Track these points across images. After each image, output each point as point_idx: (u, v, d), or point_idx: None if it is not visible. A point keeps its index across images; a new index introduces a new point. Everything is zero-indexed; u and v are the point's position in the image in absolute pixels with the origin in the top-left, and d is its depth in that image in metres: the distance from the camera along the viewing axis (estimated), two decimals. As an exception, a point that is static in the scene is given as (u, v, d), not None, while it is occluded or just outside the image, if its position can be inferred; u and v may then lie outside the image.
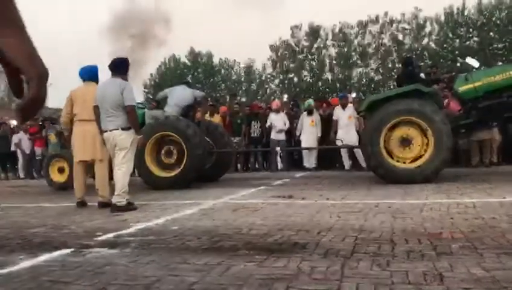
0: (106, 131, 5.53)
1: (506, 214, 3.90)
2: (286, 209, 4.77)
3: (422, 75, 11.41)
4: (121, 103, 5.44)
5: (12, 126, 15.70)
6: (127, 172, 5.49)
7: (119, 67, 5.67)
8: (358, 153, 10.61)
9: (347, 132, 10.62)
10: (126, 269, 2.67)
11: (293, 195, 5.96)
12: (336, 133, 10.81)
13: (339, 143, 10.31)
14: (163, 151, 8.25)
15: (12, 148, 14.81)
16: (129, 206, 5.37)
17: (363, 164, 10.61)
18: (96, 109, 5.66)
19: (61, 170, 9.36)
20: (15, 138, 14.60)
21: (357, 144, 10.10)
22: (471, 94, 7.32)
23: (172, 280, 2.41)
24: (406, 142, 7.14)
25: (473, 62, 7.54)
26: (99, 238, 3.69)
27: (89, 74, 6.34)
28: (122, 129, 5.46)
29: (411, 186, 6.44)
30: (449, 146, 6.92)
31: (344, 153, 11.01)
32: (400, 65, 9.85)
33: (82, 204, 6.04)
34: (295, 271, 2.45)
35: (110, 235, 3.80)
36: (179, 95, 8.57)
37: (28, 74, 0.90)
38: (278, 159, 12.19)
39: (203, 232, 3.71)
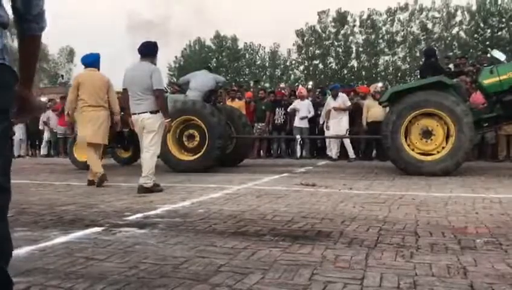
0: (135, 114, 5.63)
1: (533, 211, 3.87)
2: (309, 197, 4.82)
3: (451, 66, 11.22)
4: (150, 87, 5.51)
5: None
6: (155, 155, 5.61)
7: (148, 51, 5.74)
8: (347, 142, 10.94)
9: (338, 122, 10.83)
10: (155, 249, 2.77)
11: (316, 183, 5.99)
12: (327, 121, 11.09)
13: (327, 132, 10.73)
14: (185, 135, 8.40)
15: (40, 126, 15.12)
16: (155, 188, 5.50)
17: (351, 154, 10.82)
18: (125, 92, 5.77)
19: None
20: (43, 116, 14.89)
21: (345, 133, 10.56)
22: (496, 88, 7.19)
23: (200, 261, 2.49)
24: (427, 134, 7.10)
25: (499, 55, 7.38)
26: (128, 218, 3.81)
27: (92, 61, 6.53)
28: (151, 112, 5.55)
29: (435, 179, 6.41)
30: (471, 139, 6.86)
31: (333, 142, 11.12)
32: (423, 56, 9.65)
33: (103, 179, 6.15)
34: (320, 259, 2.51)
35: (138, 215, 3.92)
36: (201, 80, 8.71)
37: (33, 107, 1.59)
38: (298, 147, 12.23)
39: (228, 216, 3.79)
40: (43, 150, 15.55)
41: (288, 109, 12.06)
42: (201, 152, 8.11)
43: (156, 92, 5.53)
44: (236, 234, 3.15)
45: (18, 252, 2.72)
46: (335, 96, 11.09)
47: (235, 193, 5.32)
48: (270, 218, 3.70)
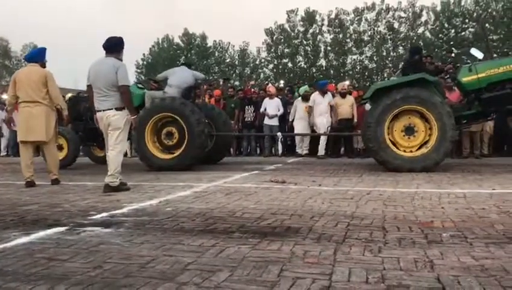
0: (99, 111, 5.50)
1: (496, 205, 3.97)
2: (279, 194, 4.81)
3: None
4: (115, 83, 5.38)
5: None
6: (120, 153, 5.49)
7: (114, 46, 5.59)
8: (323, 139, 11.09)
9: (326, 119, 10.96)
10: (121, 248, 2.69)
11: (286, 180, 5.99)
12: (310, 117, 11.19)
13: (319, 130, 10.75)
14: (163, 133, 8.17)
15: None
16: (122, 187, 5.38)
17: (322, 151, 10.99)
18: (89, 88, 5.62)
19: (59, 148, 9.29)
20: (2, 114, 14.33)
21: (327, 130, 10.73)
22: (474, 85, 7.34)
23: (167, 259, 2.43)
24: (409, 131, 7.19)
25: (477, 53, 7.51)
26: (93, 217, 3.71)
27: (33, 56, 6.35)
28: (116, 109, 5.43)
29: (402, 175, 6.52)
30: (452, 136, 7.01)
31: (323, 140, 11.11)
32: (408, 53, 9.77)
33: (30, 184, 5.96)
34: (289, 255, 2.49)
35: (104, 214, 3.81)
36: (180, 76, 8.48)
37: None
38: (279, 144, 12.30)
39: (197, 214, 3.74)
40: (4, 150, 14.95)
41: (261, 110, 12.07)
42: (181, 150, 7.92)
43: (122, 88, 5.40)
44: (205, 231, 3.11)
45: (-25, 254, 2.61)
46: (324, 93, 11.14)
47: (204, 191, 5.26)
48: (240, 215, 3.66)
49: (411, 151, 7.18)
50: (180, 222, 3.46)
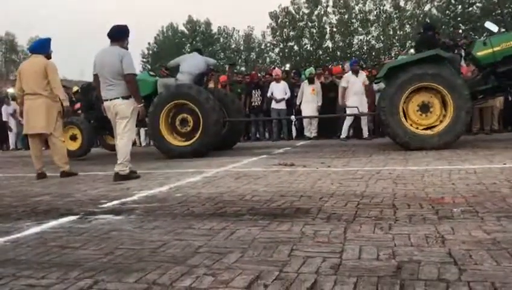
0: (106, 100, 5.50)
1: (507, 179, 3.93)
2: (288, 177, 4.81)
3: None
4: (121, 72, 5.37)
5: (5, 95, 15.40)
6: (129, 141, 5.50)
7: (118, 35, 5.57)
8: (364, 122, 10.66)
9: (361, 100, 10.29)
10: (132, 234, 2.71)
11: (295, 163, 5.98)
12: (343, 98, 10.57)
13: (353, 111, 9.96)
14: (178, 120, 8.09)
15: (5, 118, 14.54)
16: (132, 175, 5.40)
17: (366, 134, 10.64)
18: (95, 78, 5.63)
19: (73, 138, 9.35)
20: (9, 109, 14.41)
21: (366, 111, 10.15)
22: (489, 59, 7.18)
23: (178, 244, 2.45)
24: (424, 108, 7.11)
25: (492, 27, 7.36)
26: (104, 205, 3.74)
27: (36, 47, 6.29)
28: (123, 98, 5.42)
29: (412, 154, 6.47)
30: (468, 111, 6.92)
31: (348, 121, 10.70)
32: (421, 30, 9.54)
33: (41, 176, 5.99)
34: (299, 235, 2.49)
35: (115, 202, 3.84)
36: (191, 63, 8.42)
37: None
38: (293, 128, 12.21)
39: (206, 199, 3.75)
40: (13, 144, 15.04)
41: (268, 95, 11.99)
42: (196, 137, 7.86)
43: (127, 76, 5.39)
44: (215, 215, 3.12)
45: (-11, 244, 2.65)
46: (356, 73, 10.53)
47: (214, 176, 5.27)
48: (249, 198, 3.67)
49: (428, 129, 7.11)
50: (191, 206, 3.47)
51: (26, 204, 4.03)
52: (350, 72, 10.73)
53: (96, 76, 5.60)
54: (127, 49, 5.64)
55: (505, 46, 7.07)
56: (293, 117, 10.87)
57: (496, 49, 7.11)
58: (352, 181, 4.27)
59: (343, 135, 10.65)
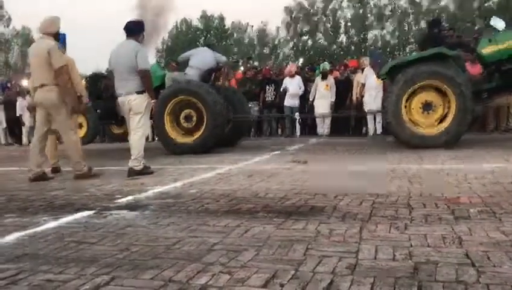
0: (121, 95, 5.53)
1: (525, 179, 3.88)
2: (301, 175, 4.79)
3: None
4: (135, 66, 5.37)
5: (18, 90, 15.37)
6: (143, 136, 5.52)
7: (134, 29, 5.59)
8: (378, 119, 10.44)
9: (376, 96, 10.11)
10: (147, 231, 2.72)
11: (308, 161, 5.96)
12: (362, 96, 10.50)
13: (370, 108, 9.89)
14: (182, 116, 8.09)
15: (20, 112, 14.50)
16: (145, 170, 5.43)
17: (379, 130, 10.51)
18: (111, 73, 5.65)
19: (79, 126, 9.38)
20: (24, 102, 14.42)
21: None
22: (495, 57, 7.10)
23: (193, 241, 2.46)
24: (427, 107, 7.05)
25: (498, 23, 7.24)
26: (119, 201, 3.76)
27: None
28: (137, 93, 5.43)
29: (427, 152, 6.41)
30: (471, 110, 6.84)
31: (370, 118, 10.57)
32: (426, 27, 9.44)
33: (55, 170, 5.94)
34: (314, 233, 2.48)
35: (129, 198, 3.87)
36: (202, 58, 8.39)
37: None
38: (297, 126, 12.13)
39: (220, 195, 3.76)
40: (26, 138, 15.03)
41: (281, 89, 11.96)
42: (200, 133, 7.87)
43: (141, 72, 5.39)
44: (229, 212, 3.12)
45: (7, 238, 2.68)
46: (373, 68, 9.94)
47: (227, 172, 5.28)
48: (263, 196, 3.66)
49: (431, 127, 7.05)
50: (205, 203, 3.48)
51: (43, 198, 4.07)
52: (368, 67, 10.34)
53: (111, 72, 5.63)
54: (142, 43, 5.67)
55: (511, 43, 6.96)
56: (297, 115, 10.82)
57: (501, 46, 7.01)
58: (367, 179, 4.25)
59: (371, 132, 10.57)
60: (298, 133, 12.11)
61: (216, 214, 3.07)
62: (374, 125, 10.61)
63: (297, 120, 11.75)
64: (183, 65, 8.97)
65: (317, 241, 2.34)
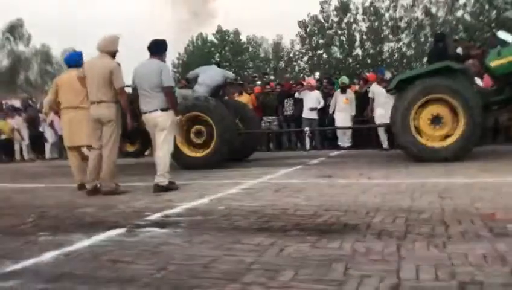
0: (145, 113, 5.59)
1: (559, 193, 3.80)
2: (328, 190, 4.77)
3: (459, 50, 11.04)
4: (159, 84, 5.45)
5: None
6: (168, 152, 5.56)
7: (158, 48, 5.68)
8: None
9: (386, 110, 9.90)
10: (182, 249, 2.73)
11: (333, 175, 5.93)
12: (372, 110, 10.55)
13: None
14: (192, 132, 8.25)
15: (41, 129, 14.75)
16: (171, 186, 5.46)
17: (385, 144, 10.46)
18: (134, 90, 5.73)
19: None
20: (47, 119, 14.67)
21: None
22: (504, 69, 7.07)
23: (229, 259, 2.45)
24: (436, 120, 7.03)
25: (506, 36, 7.23)
26: (149, 217, 3.77)
27: (73, 61, 6.34)
28: (162, 110, 5.49)
29: (453, 165, 6.33)
30: (480, 123, 6.81)
31: (381, 131, 10.55)
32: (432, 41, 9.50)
33: (82, 187, 5.95)
34: (351, 252, 2.46)
35: (159, 214, 3.88)
36: (210, 75, 8.61)
37: None
38: (307, 139, 12.09)
39: (250, 212, 3.75)
40: (49, 153, 15.28)
41: (295, 95, 11.98)
42: (210, 148, 8.03)
43: (165, 89, 5.46)
44: (261, 230, 3.11)
45: (44, 257, 2.70)
46: (381, 83, 10.47)
47: (252, 187, 5.27)
48: (293, 212, 3.65)
49: (439, 141, 7.00)
50: (235, 220, 3.48)
51: (73, 216, 4.11)
52: (375, 83, 10.75)
53: (135, 89, 5.70)
54: (164, 62, 5.75)
55: None
56: (306, 129, 10.85)
57: (510, 59, 6.95)
58: (397, 195, 4.20)
59: (384, 145, 10.53)
60: (308, 146, 12.01)
61: (248, 232, 3.06)
62: (386, 139, 10.58)
63: (307, 133, 11.74)
64: (192, 82, 9.10)
65: (356, 260, 2.31)
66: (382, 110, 10.02)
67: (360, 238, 2.72)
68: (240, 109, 9.30)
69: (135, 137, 9.97)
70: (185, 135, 8.26)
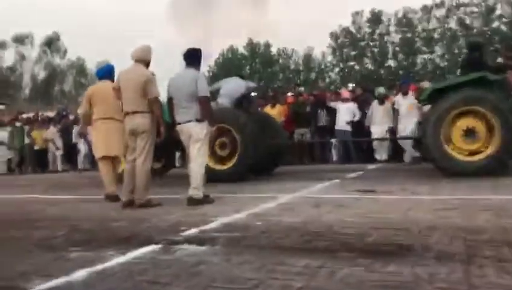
0: (180, 123, 5.45)
1: None
2: (373, 205, 4.50)
3: (499, 59, 10.59)
4: (195, 94, 5.32)
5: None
6: (202, 164, 5.39)
7: (193, 58, 5.58)
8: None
9: (407, 123, 9.92)
10: (222, 269, 2.52)
11: (375, 189, 5.63)
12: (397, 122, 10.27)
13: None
14: (216, 144, 7.99)
15: (74, 140, 14.77)
16: (206, 199, 5.28)
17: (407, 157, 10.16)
18: (169, 101, 5.60)
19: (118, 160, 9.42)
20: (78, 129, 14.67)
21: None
22: None
23: (275, 283, 2.23)
24: (469, 133, 6.66)
25: None
26: (184, 233, 3.59)
27: (106, 73, 6.31)
28: (197, 121, 5.35)
29: (500, 180, 5.96)
30: None
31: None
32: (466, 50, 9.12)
33: (115, 199, 5.84)
34: (412, 278, 2.20)
35: (194, 230, 3.68)
36: (232, 86, 8.53)
37: None
38: (333, 151, 11.80)
39: (290, 229, 3.52)
40: (81, 164, 15.31)
41: (330, 104, 11.88)
42: (235, 160, 7.81)
43: (201, 98, 5.32)
44: (305, 250, 2.88)
45: (76, 275, 2.54)
46: (405, 94, 10.25)
47: (290, 202, 5.05)
48: (337, 230, 3.39)
49: (472, 155, 6.64)
50: (275, 238, 3.25)
51: (105, 229, 3.97)
52: (400, 94, 10.51)
53: (170, 99, 5.58)
54: (199, 71, 5.63)
55: None
56: (333, 140, 10.59)
57: None
58: (448, 212, 3.90)
59: (407, 159, 10.21)
60: (334, 157, 11.73)
61: (291, 252, 2.83)
62: (410, 152, 10.23)
63: (333, 145, 11.46)
64: (215, 94, 8.96)
65: (420, 288, 2.05)
66: (403, 123, 9.94)
67: (419, 261, 2.46)
68: (266, 120, 9.08)
69: (161, 153, 9.83)
70: (209, 147, 8.03)
